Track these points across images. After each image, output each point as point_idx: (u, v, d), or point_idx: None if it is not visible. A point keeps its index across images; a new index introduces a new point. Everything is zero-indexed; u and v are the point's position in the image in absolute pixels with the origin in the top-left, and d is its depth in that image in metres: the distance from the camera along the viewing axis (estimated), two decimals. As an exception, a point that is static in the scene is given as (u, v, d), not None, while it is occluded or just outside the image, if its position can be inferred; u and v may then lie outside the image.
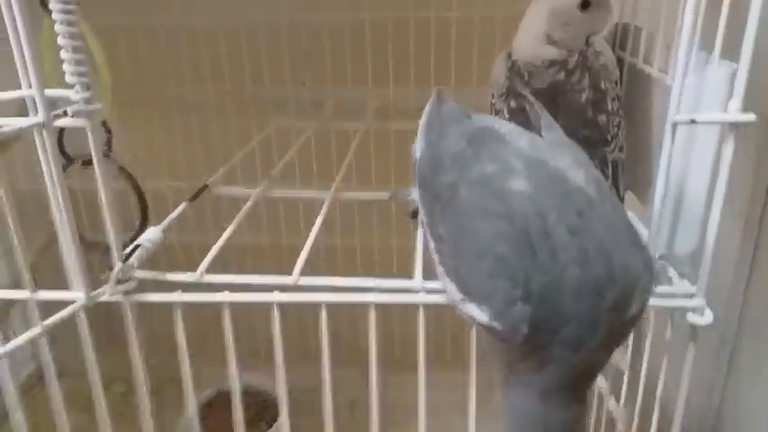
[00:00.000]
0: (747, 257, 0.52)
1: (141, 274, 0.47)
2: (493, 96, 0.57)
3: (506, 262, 0.31)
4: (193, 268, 0.48)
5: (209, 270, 0.48)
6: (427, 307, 0.44)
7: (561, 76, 0.53)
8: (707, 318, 0.42)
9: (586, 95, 0.52)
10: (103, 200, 0.43)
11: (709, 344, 0.56)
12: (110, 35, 0.92)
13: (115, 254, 0.45)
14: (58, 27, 0.37)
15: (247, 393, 1.03)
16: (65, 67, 0.39)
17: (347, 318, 0.68)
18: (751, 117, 0.36)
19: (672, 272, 0.45)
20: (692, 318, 0.42)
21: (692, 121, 0.37)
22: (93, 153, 0.41)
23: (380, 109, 0.94)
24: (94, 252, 0.74)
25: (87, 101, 0.40)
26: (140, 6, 0.93)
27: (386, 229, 1.00)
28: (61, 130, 0.62)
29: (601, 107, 0.52)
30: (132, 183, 0.70)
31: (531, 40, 0.54)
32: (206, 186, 0.63)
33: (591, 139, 0.52)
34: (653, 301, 0.43)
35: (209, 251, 0.50)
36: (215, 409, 1.00)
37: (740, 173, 0.46)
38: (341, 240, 1.03)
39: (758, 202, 0.50)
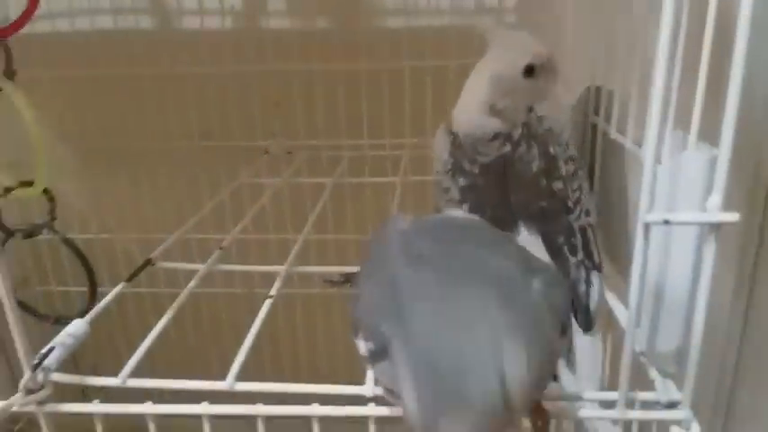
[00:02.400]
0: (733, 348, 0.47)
1: (58, 377, 0.42)
2: (438, 173, 0.52)
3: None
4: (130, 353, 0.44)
5: (139, 370, 0.43)
6: (380, 420, 0.39)
7: (507, 148, 0.49)
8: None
9: (537, 164, 0.48)
10: (6, 304, 0.38)
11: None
12: (75, 85, 0.90)
13: (23, 361, 0.40)
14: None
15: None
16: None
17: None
18: (734, 217, 0.31)
19: (654, 373, 0.40)
20: (677, 433, 0.37)
21: (666, 222, 0.32)
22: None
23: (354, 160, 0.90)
24: (44, 322, 0.70)
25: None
26: (105, 57, 0.90)
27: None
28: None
29: (554, 174, 0.48)
30: (78, 255, 0.65)
31: (472, 110, 0.50)
32: (149, 261, 0.57)
33: (549, 209, 0.47)
34: (630, 414, 0.38)
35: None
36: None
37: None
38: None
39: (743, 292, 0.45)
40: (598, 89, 0.55)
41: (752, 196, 0.48)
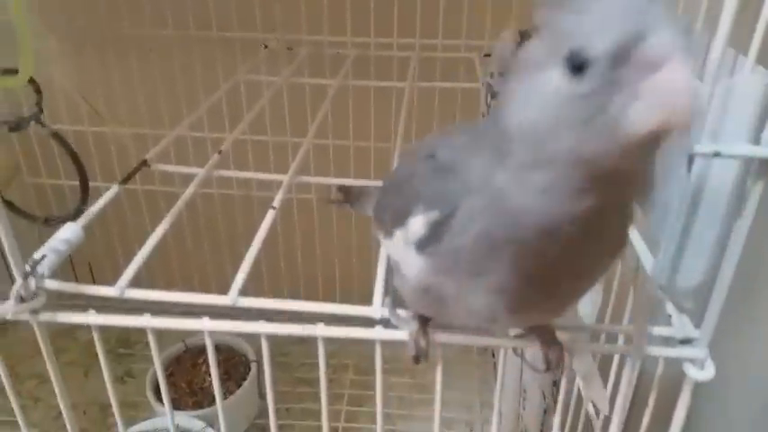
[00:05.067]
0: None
1: (52, 284, 0.40)
2: (492, 75, 0.48)
3: None
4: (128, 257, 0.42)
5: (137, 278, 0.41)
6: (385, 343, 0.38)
7: None
8: (708, 372, 0.36)
9: None
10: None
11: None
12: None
13: (14, 267, 0.38)
14: None
15: (216, 350, 1.00)
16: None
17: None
18: (791, 152, 0.28)
19: (670, 308, 0.39)
20: (691, 370, 0.36)
21: (716, 154, 0.29)
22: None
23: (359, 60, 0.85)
24: (33, 222, 0.67)
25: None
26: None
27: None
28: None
29: None
30: (68, 150, 0.61)
31: None
32: (144, 162, 0.54)
33: None
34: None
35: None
36: (182, 364, 0.96)
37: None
38: (300, 238, 0.97)
39: None
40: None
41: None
